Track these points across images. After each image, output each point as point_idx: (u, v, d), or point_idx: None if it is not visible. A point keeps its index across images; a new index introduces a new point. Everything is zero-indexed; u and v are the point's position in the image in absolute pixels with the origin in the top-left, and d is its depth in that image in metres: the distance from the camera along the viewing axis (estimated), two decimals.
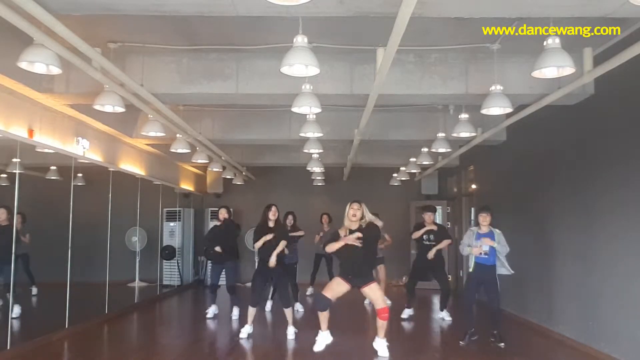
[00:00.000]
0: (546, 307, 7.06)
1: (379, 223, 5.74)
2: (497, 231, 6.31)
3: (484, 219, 6.33)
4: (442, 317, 8.12)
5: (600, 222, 5.73)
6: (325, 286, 5.69)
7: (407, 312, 8.16)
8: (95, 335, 7.13)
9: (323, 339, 5.60)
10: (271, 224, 6.68)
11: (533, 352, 6.33)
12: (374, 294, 5.50)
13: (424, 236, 8.05)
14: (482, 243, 6.19)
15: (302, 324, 7.21)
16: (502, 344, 6.24)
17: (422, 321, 8.10)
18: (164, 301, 10.40)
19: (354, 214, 5.47)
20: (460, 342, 6.34)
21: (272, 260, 6.48)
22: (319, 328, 5.65)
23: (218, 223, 8.33)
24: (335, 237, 5.60)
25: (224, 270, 8.27)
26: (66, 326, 6.76)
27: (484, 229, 6.33)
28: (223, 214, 8.28)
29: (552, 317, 6.87)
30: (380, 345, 5.51)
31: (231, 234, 8.42)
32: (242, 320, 6.86)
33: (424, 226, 8.10)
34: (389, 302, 9.35)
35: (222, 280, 8.39)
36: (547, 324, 6.98)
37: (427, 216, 8.11)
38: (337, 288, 5.50)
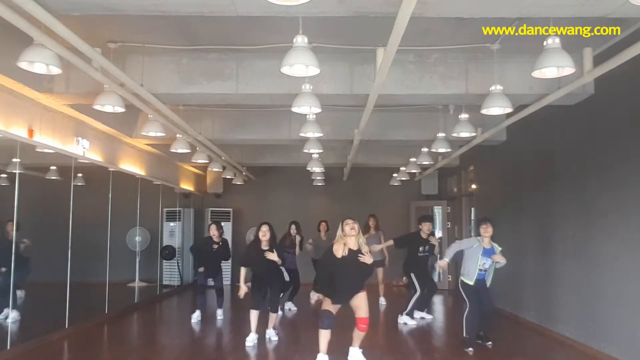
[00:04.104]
0: (546, 306, 7.06)
1: (366, 250, 5.19)
2: (497, 247, 6.16)
3: (485, 230, 6.11)
4: (422, 316, 8.19)
5: (600, 221, 5.73)
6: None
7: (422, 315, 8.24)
8: (95, 335, 7.14)
9: None
10: (264, 246, 6.35)
11: (532, 352, 6.34)
12: (360, 302, 5.09)
13: (421, 248, 7.96)
14: (496, 259, 6.06)
15: (296, 324, 7.23)
16: (489, 342, 6.24)
17: (421, 321, 8.10)
18: (164, 301, 10.40)
19: (352, 227, 5.03)
20: (470, 348, 6.06)
21: (273, 256, 6.28)
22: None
23: (215, 239, 8.08)
24: (330, 256, 5.11)
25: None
26: (66, 326, 6.77)
27: (487, 244, 6.10)
28: (213, 230, 8.05)
29: (552, 316, 6.87)
30: (356, 353, 5.22)
31: (225, 256, 8.32)
32: (247, 327, 6.69)
33: (420, 236, 7.96)
34: (384, 303, 9.41)
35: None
36: (547, 324, 6.98)
37: (426, 226, 7.98)
38: (333, 304, 5.10)
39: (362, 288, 5.18)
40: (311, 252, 9.42)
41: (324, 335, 5.06)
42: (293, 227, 8.87)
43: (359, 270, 5.05)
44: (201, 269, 8.19)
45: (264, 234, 6.37)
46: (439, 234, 12.20)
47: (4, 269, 5.85)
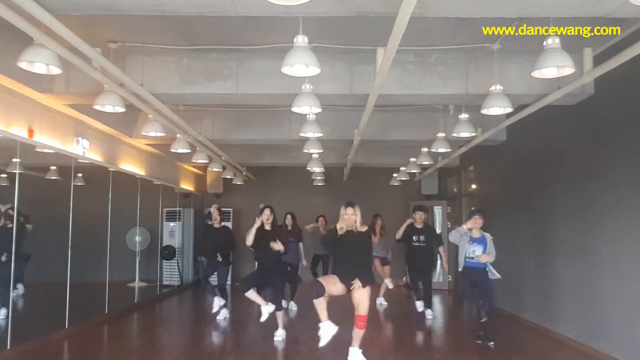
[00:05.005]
0: (546, 307, 7.06)
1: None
2: (488, 236, 6.36)
3: (476, 221, 6.31)
4: (425, 315, 8.24)
5: (600, 221, 5.73)
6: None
7: (420, 305, 8.31)
8: (95, 335, 7.14)
9: (327, 331, 5.09)
10: (268, 227, 6.53)
11: (533, 352, 6.34)
12: (361, 298, 5.10)
13: (414, 237, 8.09)
14: (481, 259, 6.25)
15: (296, 324, 7.24)
16: (492, 342, 6.27)
17: (419, 321, 8.11)
18: (164, 301, 10.40)
19: (349, 220, 5.21)
20: (482, 320, 6.31)
21: (278, 246, 6.40)
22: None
23: (216, 225, 8.18)
24: (333, 235, 5.35)
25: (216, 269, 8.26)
26: (66, 326, 6.77)
27: (476, 233, 6.32)
28: (216, 215, 8.10)
29: (552, 317, 6.87)
30: (355, 354, 5.22)
31: (229, 239, 8.36)
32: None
33: (413, 226, 8.15)
34: (385, 303, 9.42)
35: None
36: (547, 324, 6.98)
37: (418, 215, 8.15)
38: (332, 282, 5.16)
39: (366, 282, 5.16)
40: (314, 246, 9.47)
41: (319, 305, 5.09)
42: (289, 217, 8.85)
43: (358, 245, 5.25)
44: (202, 259, 8.19)
45: (268, 217, 6.49)
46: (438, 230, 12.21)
47: (4, 258, 5.85)
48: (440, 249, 8.47)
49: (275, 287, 6.64)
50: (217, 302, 7.91)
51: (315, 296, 5.06)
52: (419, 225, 8.16)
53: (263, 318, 6.45)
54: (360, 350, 5.26)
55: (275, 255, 6.55)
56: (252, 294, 6.39)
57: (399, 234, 8.14)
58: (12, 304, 5.96)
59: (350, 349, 5.27)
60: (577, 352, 6.00)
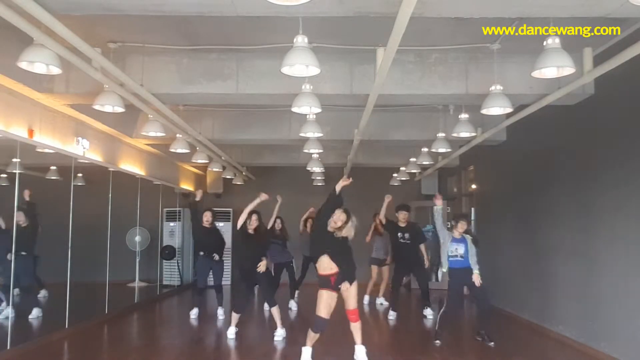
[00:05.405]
0: (546, 306, 7.06)
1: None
2: (467, 237, 6.49)
3: (462, 226, 6.48)
4: (426, 314, 8.24)
5: (600, 221, 5.73)
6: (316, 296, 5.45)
7: (392, 314, 8.24)
8: (95, 335, 7.14)
9: (306, 353, 5.29)
10: (251, 231, 6.73)
11: (533, 352, 6.33)
12: (350, 293, 5.25)
13: (399, 234, 8.18)
14: (476, 283, 6.32)
15: (296, 324, 7.23)
16: (492, 342, 6.28)
17: (420, 321, 8.10)
18: (164, 301, 10.40)
19: (335, 221, 5.39)
20: (438, 341, 6.36)
21: (262, 267, 6.69)
22: (304, 341, 5.36)
23: (207, 226, 8.28)
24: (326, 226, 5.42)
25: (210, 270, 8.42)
26: (66, 326, 6.77)
27: (457, 235, 6.47)
28: (208, 216, 8.24)
29: (552, 317, 6.87)
30: (360, 352, 5.31)
31: (221, 238, 8.60)
32: (227, 321, 6.95)
33: (397, 225, 8.25)
34: (385, 303, 9.41)
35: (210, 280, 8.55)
36: (547, 324, 6.98)
37: (402, 215, 8.26)
38: (328, 301, 5.18)
39: (353, 276, 5.28)
40: (303, 249, 9.49)
41: (314, 337, 5.29)
42: (278, 221, 8.88)
43: (341, 247, 5.32)
44: (216, 257, 8.35)
45: (253, 223, 6.72)
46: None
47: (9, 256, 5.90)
48: (422, 246, 8.44)
49: (263, 286, 6.84)
50: (195, 311, 8.22)
51: (320, 331, 5.24)
52: (402, 224, 8.24)
53: (229, 334, 6.64)
54: (365, 350, 5.31)
55: (257, 257, 6.69)
56: (234, 316, 6.67)
57: (382, 213, 8.11)
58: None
59: (356, 347, 5.34)
60: (577, 352, 6.01)
